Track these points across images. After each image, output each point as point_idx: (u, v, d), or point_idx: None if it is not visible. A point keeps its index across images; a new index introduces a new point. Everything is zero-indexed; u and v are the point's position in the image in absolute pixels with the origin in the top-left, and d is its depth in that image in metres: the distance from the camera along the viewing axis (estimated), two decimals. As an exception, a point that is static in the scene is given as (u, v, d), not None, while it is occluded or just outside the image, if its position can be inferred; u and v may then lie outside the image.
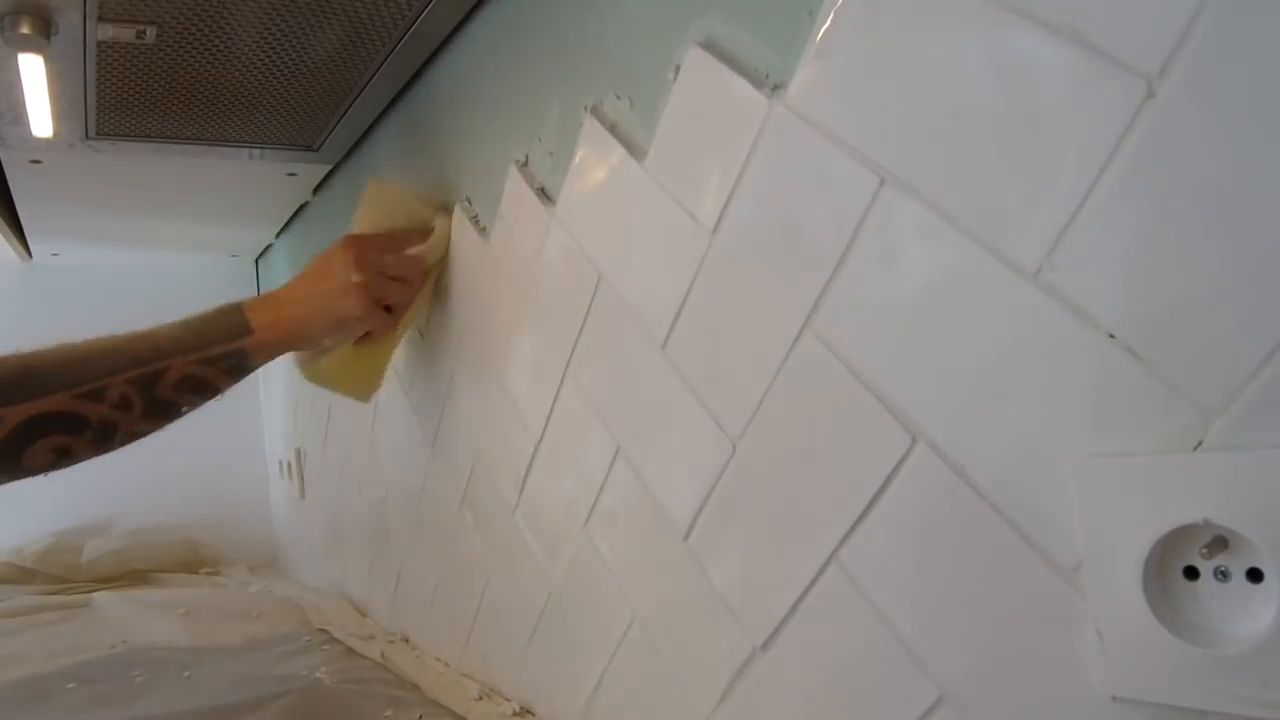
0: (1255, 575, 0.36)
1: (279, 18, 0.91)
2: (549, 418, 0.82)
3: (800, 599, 0.56)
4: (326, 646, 1.24)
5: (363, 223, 1.02)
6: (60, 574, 1.86)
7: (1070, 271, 0.41)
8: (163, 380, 0.81)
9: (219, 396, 0.86)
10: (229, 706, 0.98)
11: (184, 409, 0.83)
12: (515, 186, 0.87)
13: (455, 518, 1.03)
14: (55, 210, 1.58)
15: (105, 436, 0.78)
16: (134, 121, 1.15)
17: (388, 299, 0.94)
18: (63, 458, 0.77)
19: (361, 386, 1.06)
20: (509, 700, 0.94)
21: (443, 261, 1.03)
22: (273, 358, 0.89)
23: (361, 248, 0.93)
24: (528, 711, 0.91)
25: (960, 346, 0.46)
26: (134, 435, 0.81)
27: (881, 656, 0.51)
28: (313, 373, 1.00)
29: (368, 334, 0.97)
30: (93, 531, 1.97)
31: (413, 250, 0.98)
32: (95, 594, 1.65)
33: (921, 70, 0.48)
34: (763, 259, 0.58)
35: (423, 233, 1.00)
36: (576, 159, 0.77)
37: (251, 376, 0.89)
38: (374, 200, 1.04)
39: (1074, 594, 0.41)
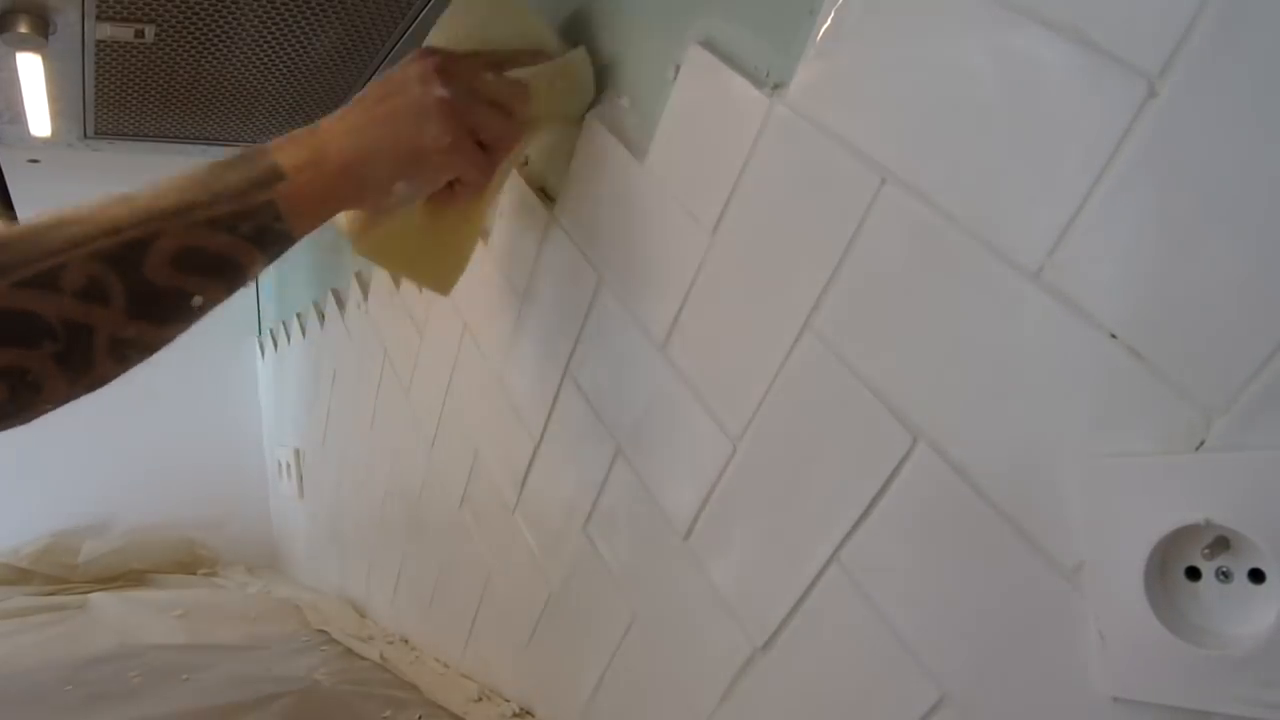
0: (1257, 576, 0.36)
1: (278, 17, 0.91)
2: (549, 418, 0.82)
3: (801, 599, 0.56)
4: (325, 647, 1.24)
5: (444, 34, 0.71)
6: (57, 574, 1.85)
7: (1072, 271, 0.41)
8: (150, 253, 0.52)
9: (248, 280, 0.58)
10: (227, 707, 0.98)
11: (196, 299, 0.55)
12: (516, 186, 0.87)
13: (455, 518, 1.03)
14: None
15: (77, 348, 0.51)
16: (133, 121, 1.15)
17: (483, 131, 0.65)
18: (24, 388, 0.50)
19: (438, 268, 0.74)
20: (509, 700, 0.94)
21: (569, 106, 0.73)
22: (319, 218, 0.60)
23: (447, 57, 0.64)
24: (527, 712, 0.91)
25: (961, 346, 0.46)
26: (125, 346, 0.53)
27: (882, 657, 0.51)
28: (367, 245, 0.69)
29: (449, 188, 0.67)
30: (90, 532, 1.96)
31: (519, 73, 0.68)
32: (92, 595, 1.65)
33: (923, 69, 0.48)
34: (763, 258, 0.58)
35: (534, 54, 0.71)
36: (576, 158, 0.77)
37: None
38: (469, 5, 0.73)
39: (1075, 594, 0.41)
